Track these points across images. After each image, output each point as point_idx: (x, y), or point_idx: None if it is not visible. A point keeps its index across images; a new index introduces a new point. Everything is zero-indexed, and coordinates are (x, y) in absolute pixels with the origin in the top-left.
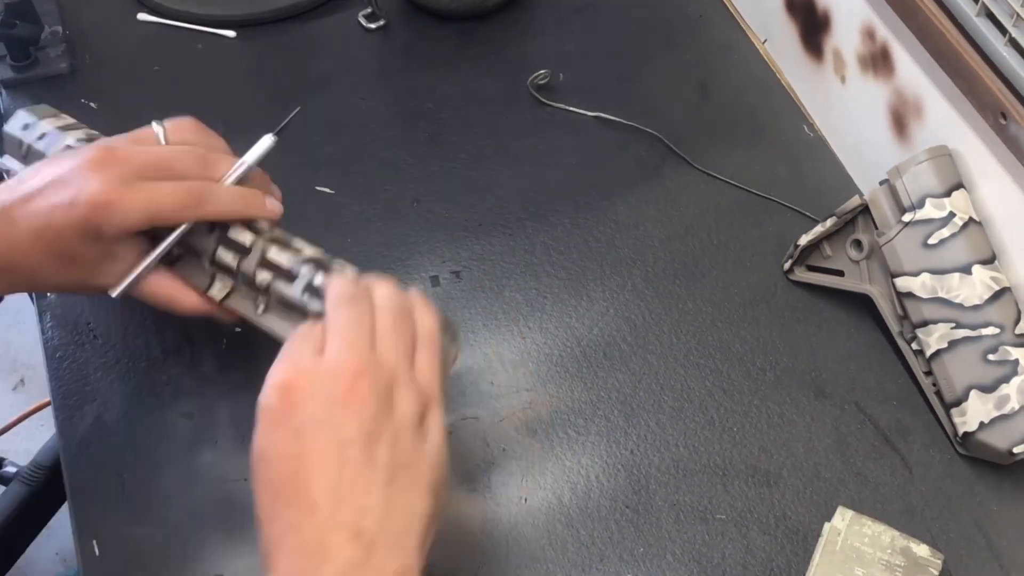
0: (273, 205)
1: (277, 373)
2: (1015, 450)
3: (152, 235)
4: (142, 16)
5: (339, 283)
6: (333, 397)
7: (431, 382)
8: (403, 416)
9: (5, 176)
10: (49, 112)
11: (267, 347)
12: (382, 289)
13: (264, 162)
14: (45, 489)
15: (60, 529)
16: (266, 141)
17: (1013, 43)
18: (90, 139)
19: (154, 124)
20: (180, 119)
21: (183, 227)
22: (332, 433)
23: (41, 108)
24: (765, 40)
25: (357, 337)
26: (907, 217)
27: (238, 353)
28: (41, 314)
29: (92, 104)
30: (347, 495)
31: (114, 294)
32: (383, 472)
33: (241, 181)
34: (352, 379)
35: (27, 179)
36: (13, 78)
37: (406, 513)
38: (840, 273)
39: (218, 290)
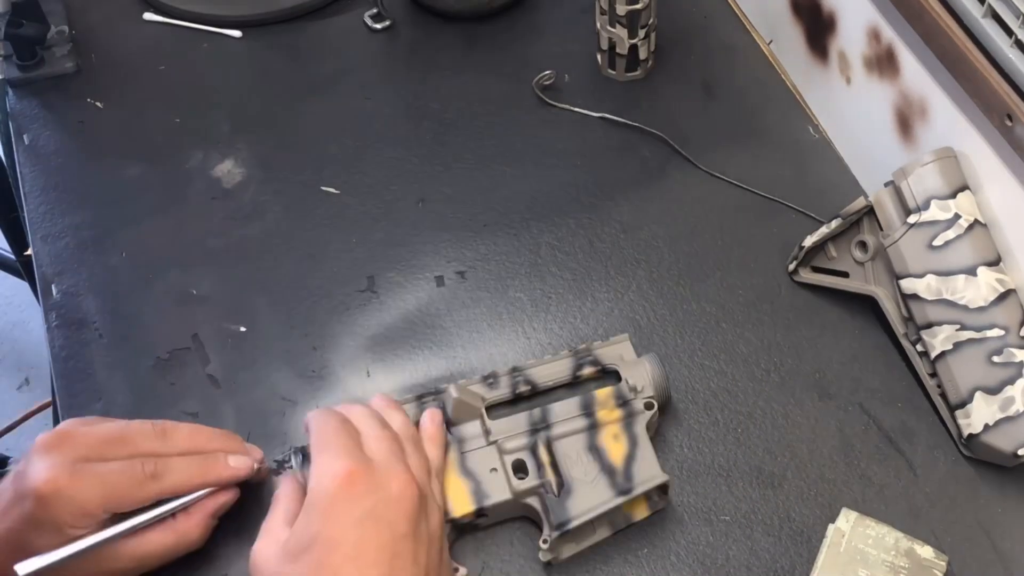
0: (237, 462)
1: (339, 464)
2: (1020, 452)
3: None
4: (148, 16)
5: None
6: (389, 495)
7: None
8: (435, 526)
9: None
10: None
11: (270, 348)
12: (395, 416)
13: (268, 165)
14: None
15: None
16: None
17: (1019, 44)
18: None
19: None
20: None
21: (144, 516)
22: (388, 527)
23: None
24: (770, 41)
25: (390, 445)
26: (912, 219)
27: (243, 353)
28: (47, 313)
29: (98, 104)
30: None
31: (21, 573)
32: (422, 570)
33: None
34: (403, 484)
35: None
36: (19, 77)
37: None
38: (845, 274)
39: None
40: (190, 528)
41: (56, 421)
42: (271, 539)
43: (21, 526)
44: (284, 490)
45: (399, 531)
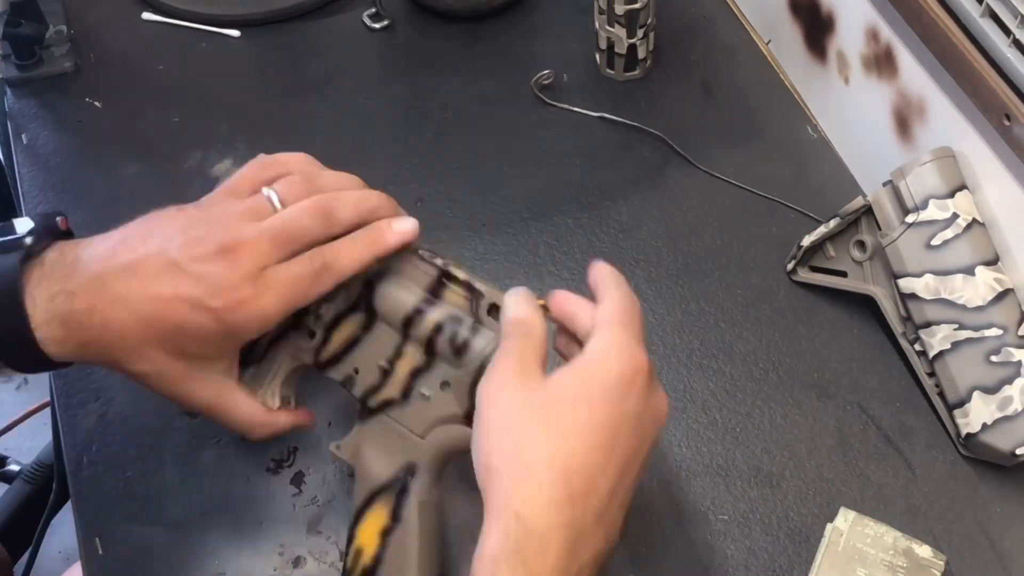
0: (402, 226)
1: (638, 352)
2: (1018, 451)
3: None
4: (146, 15)
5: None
6: (657, 414)
7: None
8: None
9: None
10: None
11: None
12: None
13: None
14: (48, 487)
15: (63, 527)
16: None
17: (1017, 44)
18: None
19: (265, 191)
20: (282, 158)
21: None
22: (640, 442)
23: None
24: (769, 41)
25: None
26: (910, 218)
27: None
28: None
29: (96, 103)
30: (617, 500)
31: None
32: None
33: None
34: (663, 411)
35: (130, 241)
36: (18, 77)
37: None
38: (843, 274)
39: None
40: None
41: (55, 421)
42: (508, 381)
43: (188, 328)
44: (518, 313)
45: (643, 453)
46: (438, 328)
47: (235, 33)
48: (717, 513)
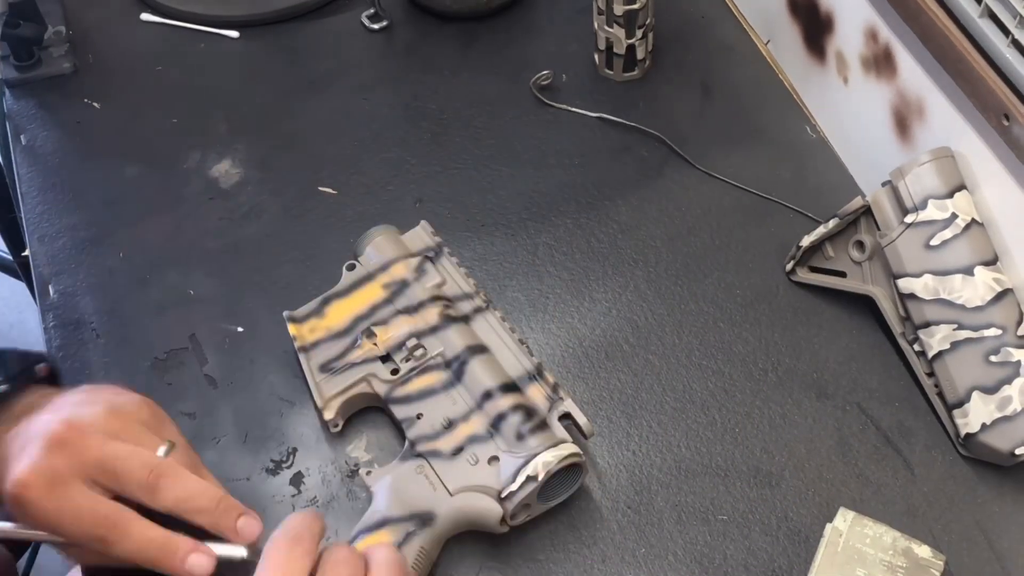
0: (195, 562)
1: None
2: (1017, 451)
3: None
4: (145, 16)
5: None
6: None
7: None
8: None
9: None
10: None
11: (268, 348)
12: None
13: (266, 165)
14: None
15: None
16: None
17: (1016, 44)
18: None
19: (163, 444)
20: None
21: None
22: None
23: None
24: (768, 41)
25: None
26: (909, 218)
27: (241, 353)
28: (44, 314)
29: (95, 104)
30: None
31: None
32: None
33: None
34: None
35: (48, 407)
36: (17, 78)
37: None
38: (842, 274)
39: None
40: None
41: None
42: None
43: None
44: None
45: None
46: (510, 413)
47: (234, 34)
48: (716, 513)
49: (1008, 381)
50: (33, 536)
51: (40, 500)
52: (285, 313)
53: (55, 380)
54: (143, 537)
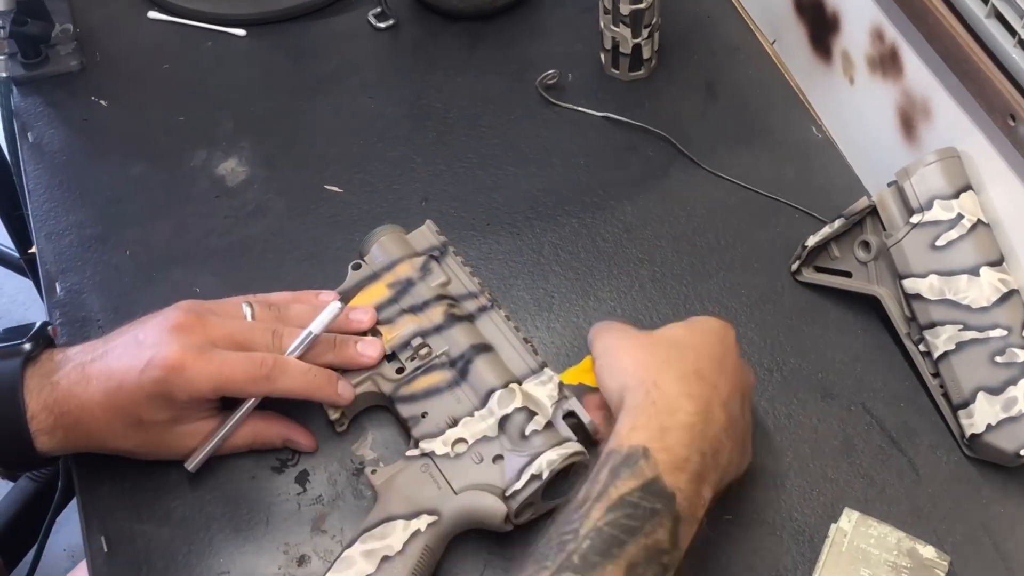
0: (344, 391)
1: (726, 325)
2: (1022, 452)
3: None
4: (152, 14)
5: None
6: (738, 353)
7: None
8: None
9: None
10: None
11: None
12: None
13: (272, 163)
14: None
15: (68, 525)
16: (333, 309)
17: (1022, 44)
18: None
19: (243, 304)
20: (269, 297)
21: (252, 401)
22: (742, 375)
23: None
24: (774, 41)
25: None
26: (915, 219)
27: None
28: (50, 311)
29: (102, 102)
30: (735, 378)
31: (190, 467)
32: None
33: (312, 347)
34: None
35: (112, 338)
36: (24, 75)
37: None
38: (848, 274)
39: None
40: (266, 440)
41: None
42: (625, 332)
43: (138, 394)
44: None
45: (745, 392)
46: (515, 412)
47: (240, 32)
48: (722, 513)
49: (1014, 382)
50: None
51: (199, 366)
52: None
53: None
54: (300, 370)
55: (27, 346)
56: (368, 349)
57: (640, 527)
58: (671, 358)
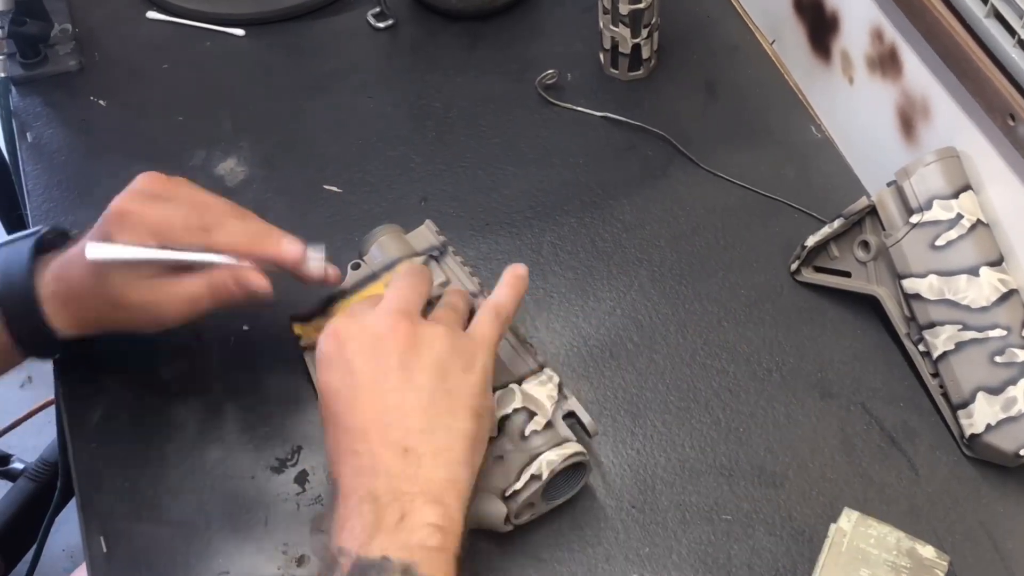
0: (290, 246)
1: (331, 324)
2: (1022, 452)
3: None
4: (151, 14)
5: (406, 266)
6: (376, 334)
7: (484, 333)
8: (441, 350)
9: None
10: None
11: (274, 347)
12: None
13: (271, 163)
14: (52, 485)
15: (67, 525)
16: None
17: (1022, 44)
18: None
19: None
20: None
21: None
22: (375, 364)
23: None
24: (773, 41)
25: (409, 294)
26: (914, 219)
27: (246, 351)
28: None
29: (101, 102)
30: (393, 418)
31: (89, 255)
32: (424, 396)
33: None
34: (394, 319)
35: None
36: (23, 75)
37: (448, 431)
38: (847, 274)
39: None
40: (221, 284)
41: (59, 419)
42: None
43: (91, 239)
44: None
45: (387, 365)
46: (515, 412)
47: (239, 32)
48: (720, 513)
49: (1013, 382)
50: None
51: (143, 211)
52: (290, 314)
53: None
54: (239, 225)
55: (42, 229)
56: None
57: None
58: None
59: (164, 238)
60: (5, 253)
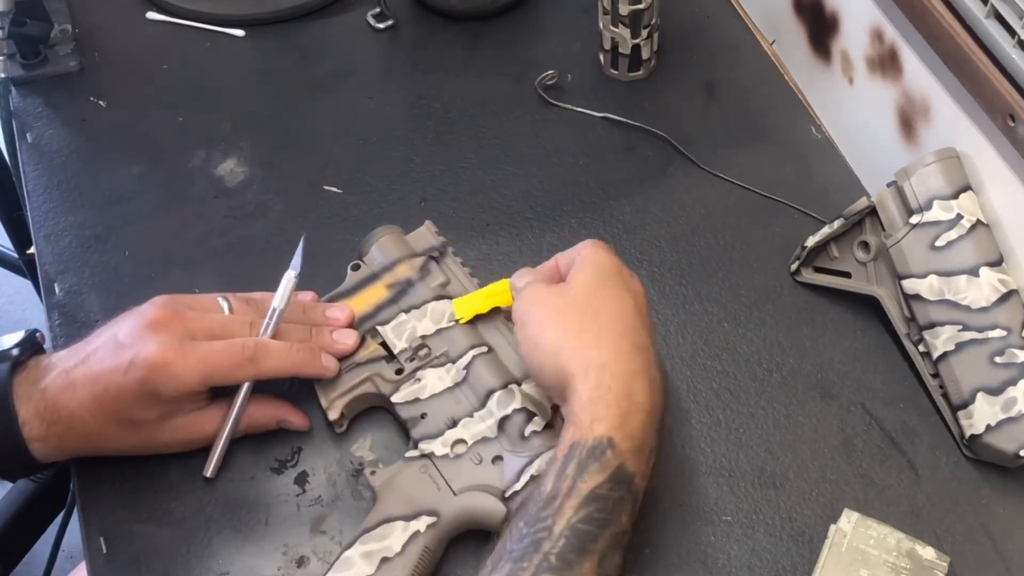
0: (329, 362)
1: (600, 254)
2: (1022, 453)
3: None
4: (151, 15)
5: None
6: (625, 278)
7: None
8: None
9: None
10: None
11: None
12: None
13: (271, 164)
14: (52, 486)
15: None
16: (288, 278)
17: (1022, 45)
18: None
19: (219, 298)
20: (247, 294)
21: (246, 387)
22: (631, 299)
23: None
24: (773, 41)
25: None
26: (914, 219)
27: None
28: (49, 312)
29: (101, 102)
30: (651, 326)
31: (208, 474)
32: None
33: (287, 332)
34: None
35: (92, 340)
36: (23, 76)
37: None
38: (847, 275)
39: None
40: (261, 421)
41: None
42: (539, 296)
43: (125, 396)
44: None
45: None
46: (515, 413)
47: (239, 33)
48: (721, 514)
49: (1013, 382)
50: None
51: (182, 360)
52: None
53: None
54: (283, 348)
55: (15, 351)
56: (343, 337)
57: (609, 519)
58: (602, 330)
59: (211, 381)
60: None
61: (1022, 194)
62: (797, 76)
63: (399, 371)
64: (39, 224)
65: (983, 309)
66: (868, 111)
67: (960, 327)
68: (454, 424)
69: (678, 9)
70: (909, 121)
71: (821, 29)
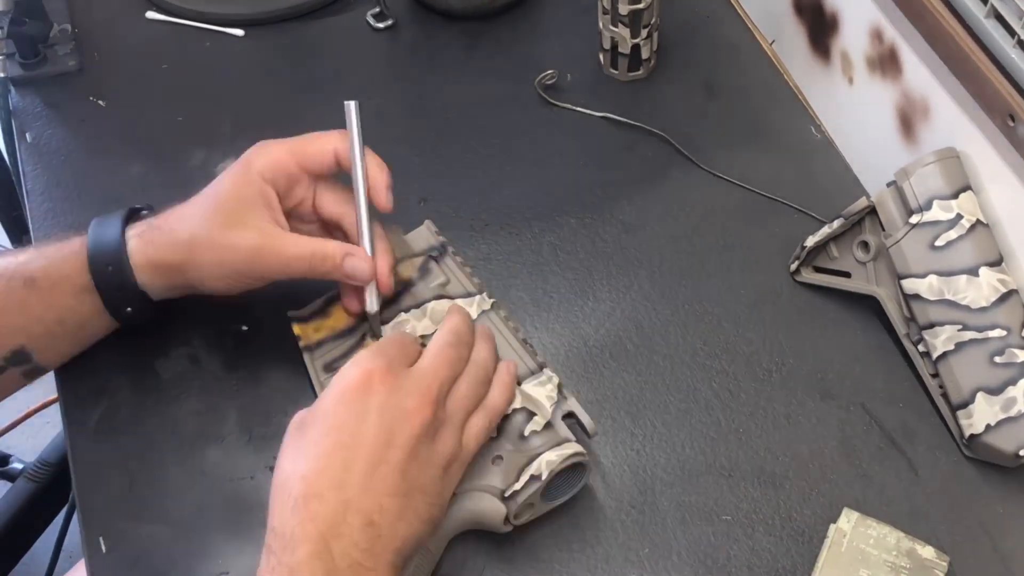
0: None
1: (368, 360)
2: (1021, 453)
3: None
4: (150, 14)
5: (456, 321)
6: (403, 406)
7: (470, 444)
8: (441, 453)
9: None
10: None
11: (274, 347)
12: (483, 350)
13: None
14: (51, 486)
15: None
16: (351, 107)
17: (1021, 44)
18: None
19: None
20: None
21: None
22: (389, 433)
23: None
24: (773, 41)
25: (445, 374)
26: (914, 219)
27: (246, 352)
28: None
29: (100, 102)
30: (376, 487)
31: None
32: (407, 485)
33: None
34: (423, 400)
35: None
36: (22, 75)
37: (408, 526)
38: (847, 274)
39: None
40: (327, 257)
41: (61, 418)
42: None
43: (230, 186)
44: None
45: (397, 441)
46: (514, 412)
47: (239, 32)
48: (720, 513)
49: (1013, 382)
50: None
51: (273, 145)
52: (290, 313)
53: None
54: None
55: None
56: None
57: None
58: (289, 468)
59: (298, 154)
60: (96, 223)
61: (1022, 194)
62: (797, 76)
63: None
64: (39, 224)
65: (983, 309)
66: (868, 111)
67: (960, 327)
68: None
69: (678, 9)
70: (909, 121)
71: (821, 29)
